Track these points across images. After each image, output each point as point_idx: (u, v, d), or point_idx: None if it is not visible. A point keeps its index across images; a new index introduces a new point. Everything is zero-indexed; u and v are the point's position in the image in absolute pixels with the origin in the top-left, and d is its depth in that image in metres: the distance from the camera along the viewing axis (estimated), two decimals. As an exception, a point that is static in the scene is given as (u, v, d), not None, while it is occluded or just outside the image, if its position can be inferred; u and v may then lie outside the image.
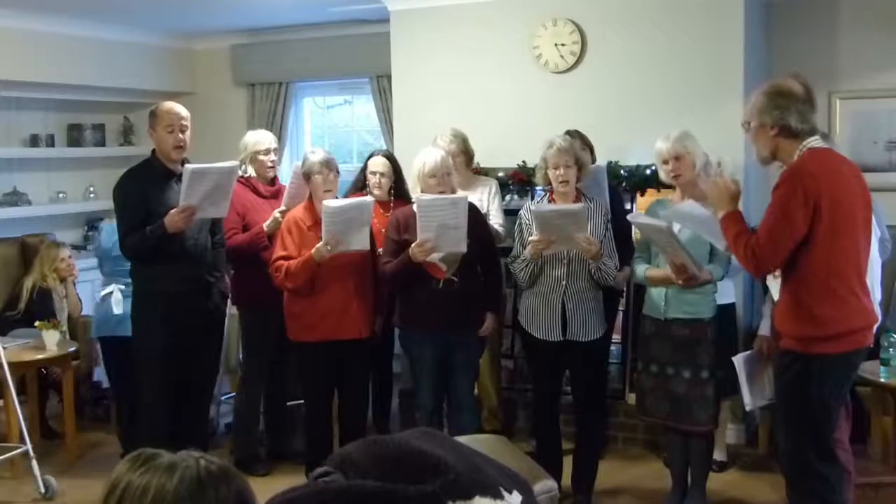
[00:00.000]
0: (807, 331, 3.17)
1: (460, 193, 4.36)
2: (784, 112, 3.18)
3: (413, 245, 4.16)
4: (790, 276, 3.23)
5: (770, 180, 5.09)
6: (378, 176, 4.84)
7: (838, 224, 3.13)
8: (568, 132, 4.53)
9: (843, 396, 3.37)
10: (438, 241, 4.13)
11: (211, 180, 4.29)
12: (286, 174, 5.27)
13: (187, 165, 4.28)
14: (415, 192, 4.40)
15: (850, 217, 3.18)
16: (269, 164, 4.94)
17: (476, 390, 5.12)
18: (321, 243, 4.25)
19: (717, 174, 3.55)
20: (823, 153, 3.22)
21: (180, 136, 4.42)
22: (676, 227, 4.00)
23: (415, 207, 4.24)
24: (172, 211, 4.28)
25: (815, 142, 3.20)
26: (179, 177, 4.46)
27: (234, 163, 4.61)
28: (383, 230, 4.58)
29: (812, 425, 3.22)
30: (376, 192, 4.82)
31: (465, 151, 4.94)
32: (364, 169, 4.96)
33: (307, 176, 4.48)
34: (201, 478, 1.51)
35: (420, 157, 4.30)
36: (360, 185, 4.98)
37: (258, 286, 4.73)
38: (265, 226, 4.73)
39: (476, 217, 4.36)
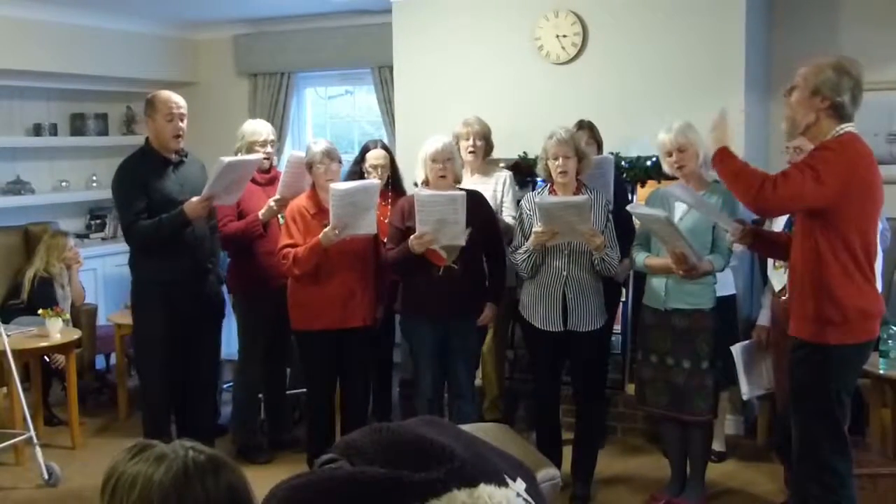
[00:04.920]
0: (826, 313, 3.14)
1: (464, 187, 4.39)
2: (842, 90, 3.15)
3: (412, 237, 4.20)
4: (810, 259, 3.18)
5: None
6: (380, 169, 4.86)
7: (867, 210, 3.14)
8: (580, 123, 4.53)
9: (853, 389, 3.38)
10: (437, 234, 4.17)
11: (238, 172, 4.34)
12: (285, 162, 5.27)
13: (223, 158, 4.29)
14: (419, 176, 4.45)
15: (876, 205, 3.20)
16: (265, 156, 4.88)
17: (480, 379, 5.16)
18: (329, 227, 4.27)
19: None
20: (861, 139, 3.21)
21: (180, 124, 4.44)
22: (676, 217, 4.02)
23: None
24: (194, 199, 4.30)
25: (852, 127, 3.19)
26: (175, 165, 4.48)
27: (259, 156, 4.67)
28: (384, 220, 4.62)
29: (829, 418, 3.20)
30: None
31: (486, 138, 4.96)
32: (360, 161, 4.96)
33: (309, 166, 4.50)
34: (188, 469, 1.53)
35: (426, 143, 4.35)
36: (355, 178, 4.97)
37: (254, 273, 4.77)
38: (260, 214, 4.71)
39: (481, 207, 4.39)
